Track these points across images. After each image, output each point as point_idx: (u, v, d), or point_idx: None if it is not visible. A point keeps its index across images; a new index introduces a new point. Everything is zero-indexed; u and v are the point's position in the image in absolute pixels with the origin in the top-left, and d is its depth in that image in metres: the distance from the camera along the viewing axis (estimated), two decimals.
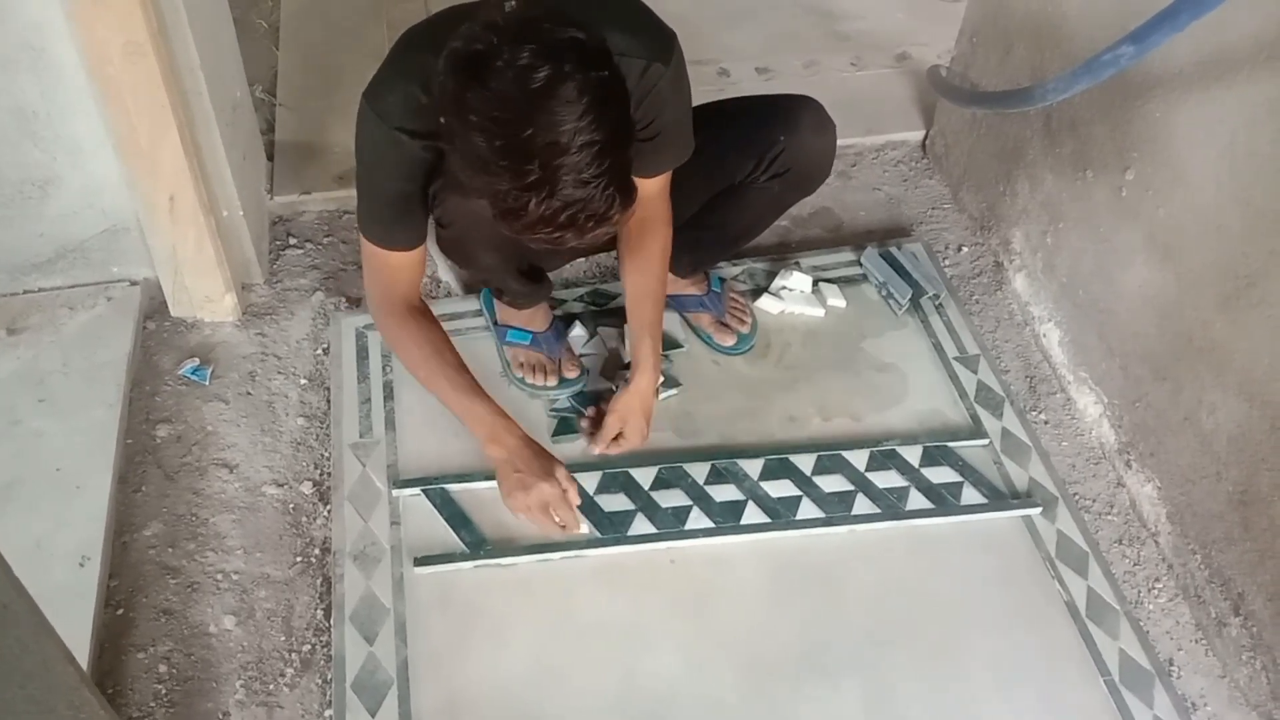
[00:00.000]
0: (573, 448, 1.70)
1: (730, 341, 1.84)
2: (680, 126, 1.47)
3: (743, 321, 1.86)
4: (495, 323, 1.82)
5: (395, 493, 1.63)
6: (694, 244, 1.78)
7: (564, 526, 1.55)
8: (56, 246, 1.83)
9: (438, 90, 1.18)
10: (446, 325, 1.84)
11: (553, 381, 1.76)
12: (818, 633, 1.51)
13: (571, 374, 1.77)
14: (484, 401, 1.54)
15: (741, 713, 1.43)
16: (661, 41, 1.37)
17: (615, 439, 1.65)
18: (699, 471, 1.66)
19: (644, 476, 1.66)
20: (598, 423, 1.68)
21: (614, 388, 1.72)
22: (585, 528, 1.58)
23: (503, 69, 1.10)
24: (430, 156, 1.37)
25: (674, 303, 1.88)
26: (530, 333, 1.77)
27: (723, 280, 1.91)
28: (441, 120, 1.18)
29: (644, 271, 1.60)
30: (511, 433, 1.54)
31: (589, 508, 1.61)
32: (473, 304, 1.89)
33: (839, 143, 2.27)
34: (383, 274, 1.50)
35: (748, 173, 1.63)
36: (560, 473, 1.54)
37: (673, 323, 1.88)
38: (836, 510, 1.62)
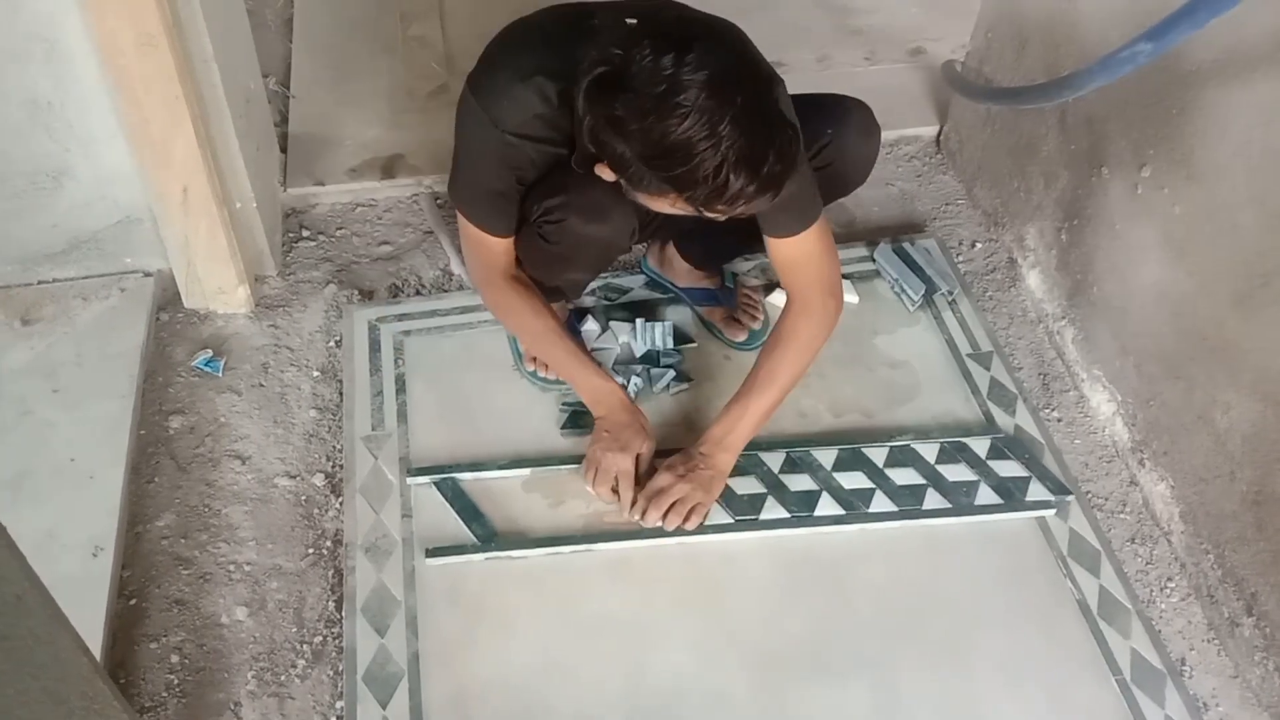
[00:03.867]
0: (581, 442, 1.70)
1: (741, 337, 1.84)
2: (801, 177, 1.41)
3: (754, 317, 1.86)
4: None
5: (409, 481, 1.64)
6: (711, 233, 1.77)
7: (616, 498, 1.58)
8: (70, 237, 1.83)
9: (588, 134, 1.26)
10: (458, 318, 1.87)
11: None
12: (827, 629, 1.51)
13: None
14: (589, 365, 1.62)
15: (750, 708, 1.44)
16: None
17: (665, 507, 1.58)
18: None
19: None
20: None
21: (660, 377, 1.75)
22: (626, 513, 1.59)
23: (637, 73, 1.18)
24: (540, 159, 1.41)
25: (685, 295, 1.88)
26: None
27: (736, 275, 1.91)
28: (598, 151, 1.27)
29: (785, 359, 1.57)
30: (618, 399, 1.60)
31: None
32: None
33: None
34: (483, 253, 1.56)
35: None
36: (644, 448, 1.58)
37: (684, 317, 1.88)
38: (856, 507, 1.62)
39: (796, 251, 1.52)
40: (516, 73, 1.36)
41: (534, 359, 1.77)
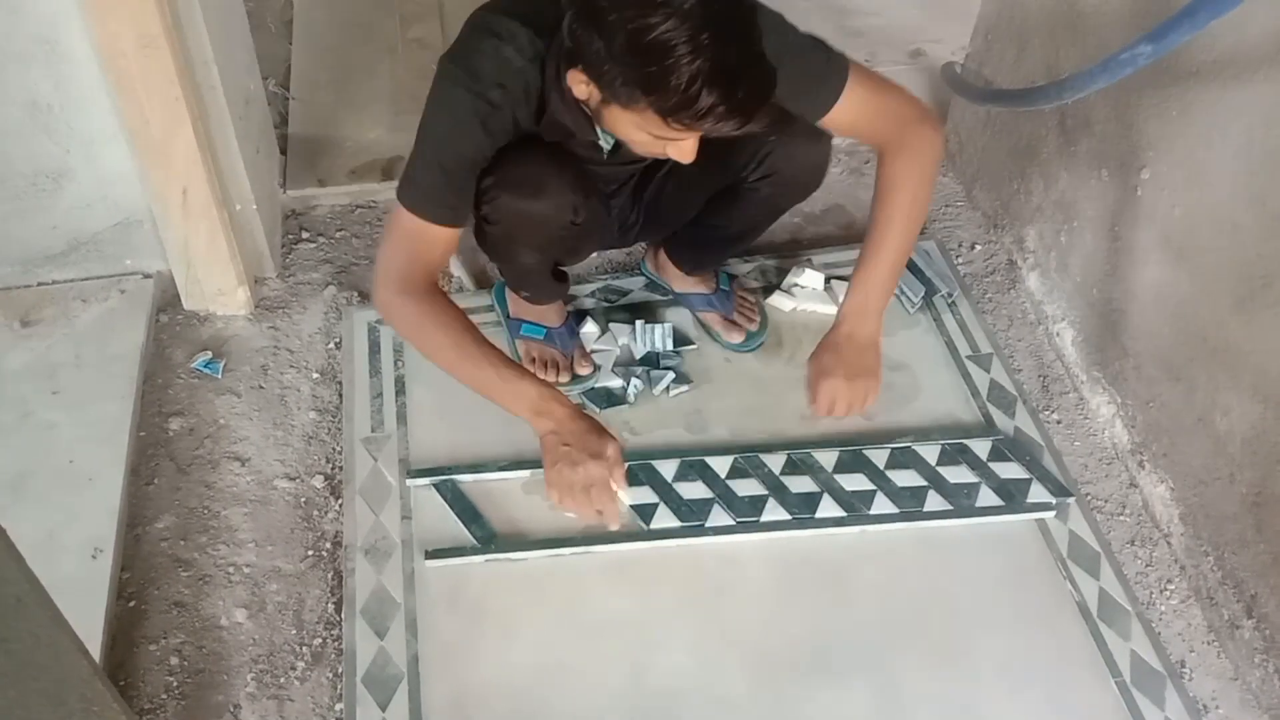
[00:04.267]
0: None
1: (738, 339, 1.84)
2: (801, 49, 1.41)
3: (750, 319, 1.86)
4: (508, 317, 1.82)
5: (408, 482, 1.64)
6: (695, 242, 1.79)
7: (601, 514, 1.40)
8: (69, 239, 1.83)
9: (566, 29, 1.21)
10: None
11: (565, 378, 1.76)
12: (828, 631, 1.51)
13: (584, 370, 1.77)
14: (525, 375, 1.42)
15: (750, 711, 1.43)
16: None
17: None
18: (720, 465, 1.66)
19: (667, 469, 1.65)
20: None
21: (626, 386, 1.73)
22: (620, 522, 1.43)
23: None
24: (510, 128, 1.37)
25: (683, 301, 1.88)
26: (544, 328, 1.77)
27: (732, 278, 1.91)
28: (575, 49, 1.21)
29: (896, 204, 1.48)
30: (560, 403, 1.41)
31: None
32: (484, 299, 1.89)
33: (851, 139, 2.29)
34: (413, 248, 1.40)
35: (738, 169, 1.59)
36: (612, 450, 1.39)
37: (683, 320, 1.88)
38: (857, 508, 1.62)
39: (850, 115, 1.44)
40: (487, 30, 1.34)
41: (534, 360, 1.77)
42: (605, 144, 1.45)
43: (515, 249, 1.57)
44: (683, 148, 1.27)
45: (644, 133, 1.25)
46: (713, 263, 1.88)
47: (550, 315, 1.78)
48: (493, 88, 1.33)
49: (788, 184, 1.61)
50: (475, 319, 1.83)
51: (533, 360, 1.77)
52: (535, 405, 1.40)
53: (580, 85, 1.26)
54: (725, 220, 1.71)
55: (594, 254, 1.97)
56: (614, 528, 1.43)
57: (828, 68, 1.42)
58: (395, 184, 1.40)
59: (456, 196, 1.40)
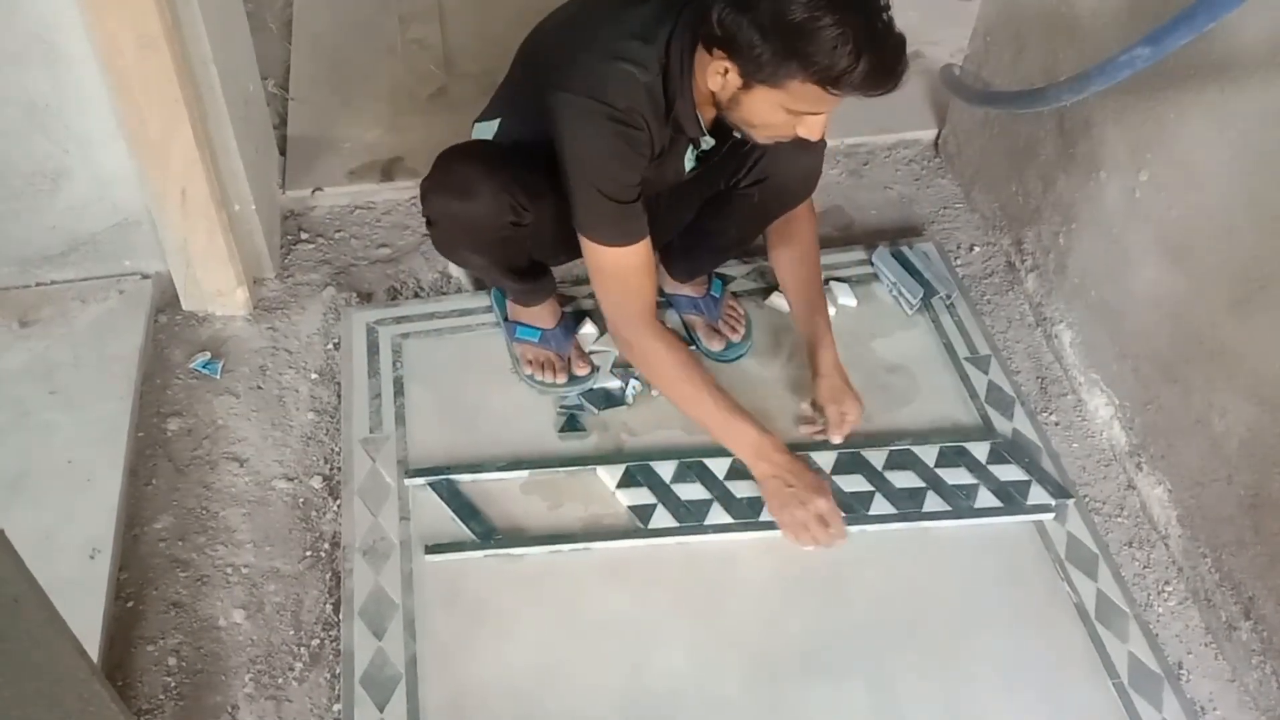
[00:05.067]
0: (579, 445, 1.71)
1: (718, 347, 1.83)
2: None
3: (735, 330, 1.85)
4: (505, 319, 1.82)
5: (407, 482, 1.64)
6: (688, 250, 1.79)
7: (839, 534, 1.53)
8: (68, 239, 1.83)
9: (715, 18, 1.28)
10: (457, 321, 1.87)
11: (562, 379, 1.76)
12: (825, 632, 1.51)
13: (581, 371, 1.77)
14: (748, 420, 1.55)
15: (748, 711, 1.43)
16: None
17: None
18: (719, 467, 1.66)
19: (665, 470, 1.66)
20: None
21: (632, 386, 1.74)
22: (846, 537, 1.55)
23: None
24: (648, 137, 1.41)
25: (671, 302, 1.88)
26: (539, 329, 1.77)
27: (724, 285, 1.90)
28: (721, 35, 1.29)
29: (800, 261, 1.74)
30: (779, 449, 1.55)
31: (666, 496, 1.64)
32: (483, 300, 1.90)
33: (850, 141, 2.30)
34: (624, 280, 1.49)
35: (731, 174, 1.61)
36: (825, 484, 1.56)
37: (673, 322, 1.88)
38: (855, 509, 1.62)
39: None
40: (600, 56, 1.38)
41: (531, 361, 1.77)
42: (705, 144, 1.50)
43: (458, 250, 1.63)
44: (815, 124, 1.36)
45: (783, 111, 1.33)
46: (704, 269, 1.87)
47: (545, 317, 1.78)
48: (624, 108, 1.38)
49: (779, 190, 1.62)
50: (473, 319, 1.86)
51: (530, 362, 1.77)
52: (756, 449, 1.55)
53: (717, 76, 1.33)
54: (716, 227, 1.72)
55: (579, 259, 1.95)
56: (843, 541, 1.55)
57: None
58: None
59: (631, 217, 1.46)
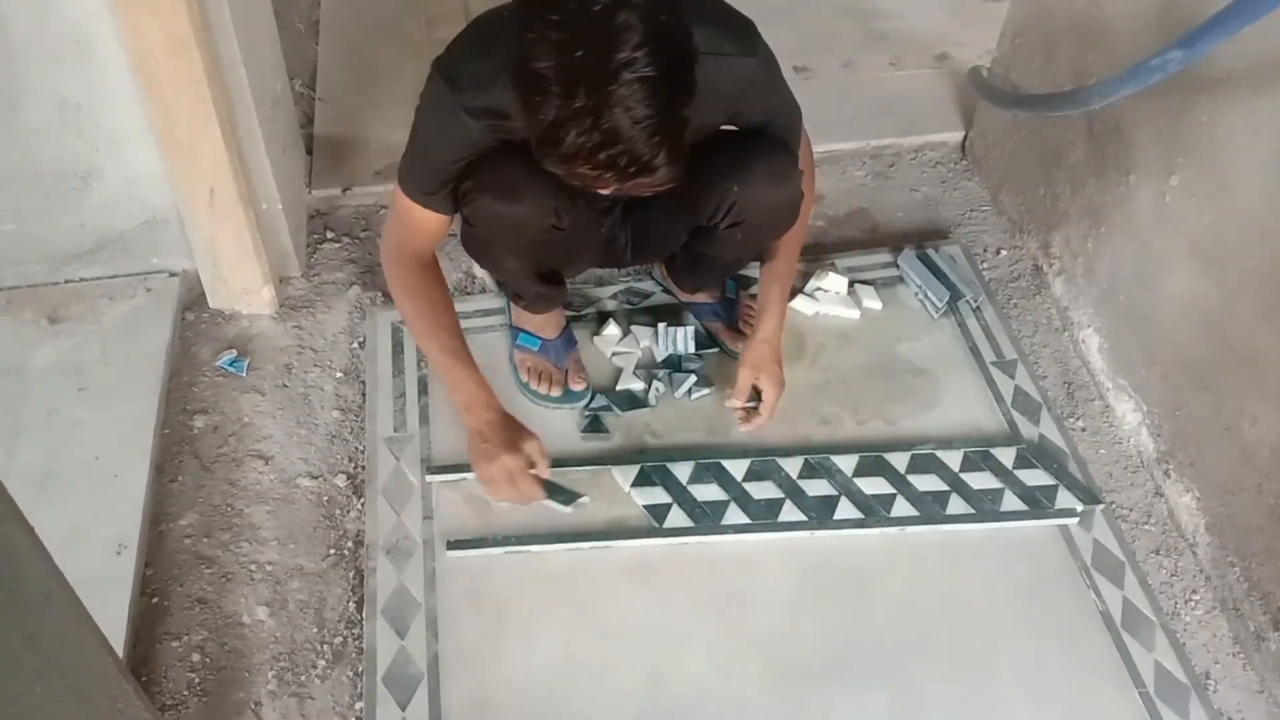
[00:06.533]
0: (602, 446, 1.71)
1: (740, 347, 1.82)
2: (784, 99, 1.50)
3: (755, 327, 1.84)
4: (510, 324, 1.82)
5: (428, 478, 1.64)
6: (692, 265, 1.78)
7: (526, 494, 1.54)
8: (97, 237, 1.85)
9: (513, 24, 1.16)
10: (480, 321, 1.87)
11: (557, 391, 1.75)
12: (847, 636, 1.50)
13: (577, 386, 1.76)
14: (469, 370, 1.55)
15: (768, 716, 1.43)
16: (745, 35, 1.38)
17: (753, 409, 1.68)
18: (737, 468, 1.66)
19: (682, 471, 1.66)
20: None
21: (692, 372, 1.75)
22: (541, 496, 1.57)
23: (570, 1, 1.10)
24: (487, 140, 1.38)
25: (690, 309, 1.88)
26: (539, 339, 1.77)
27: (738, 285, 1.90)
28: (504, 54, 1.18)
29: (780, 241, 1.66)
30: (489, 406, 1.55)
31: (629, 500, 1.62)
32: (501, 301, 1.89)
33: (876, 143, 2.29)
34: (407, 226, 1.51)
35: (707, 217, 1.56)
36: (531, 446, 1.54)
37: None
38: (876, 511, 1.61)
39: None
40: (479, 44, 1.34)
41: (529, 370, 1.76)
42: None
43: (496, 252, 1.58)
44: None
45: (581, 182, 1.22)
46: (710, 284, 1.86)
47: (548, 327, 1.78)
48: (471, 106, 1.34)
49: (758, 227, 1.58)
50: (497, 320, 1.87)
51: (528, 370, 1.76)
52: (469, 400, 1.55)
53: None
54: (712, 252, 1.69)
55: (589, 269, 1.94)
56: (536, 501, 1.57)
57: (795, 105, 1.53)
58: None
59: (444, 191, 1.46)
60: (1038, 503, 1.63)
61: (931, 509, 1.62)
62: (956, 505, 1.62)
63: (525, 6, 1.14)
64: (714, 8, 1.38)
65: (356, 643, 1.50)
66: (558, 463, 1.66)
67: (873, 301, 1.92)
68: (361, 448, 1.72)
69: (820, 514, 1.61)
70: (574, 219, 1.51)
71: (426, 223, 1.49)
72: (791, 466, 1.66)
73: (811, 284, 1.92)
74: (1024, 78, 1.99)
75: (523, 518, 1.60)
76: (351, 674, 1.48)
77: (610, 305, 1.90)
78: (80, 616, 0.91)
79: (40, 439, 1.67)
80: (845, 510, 1.61)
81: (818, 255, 2.02)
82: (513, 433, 1.55)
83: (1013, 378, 1.82)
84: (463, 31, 1.38)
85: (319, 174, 2.17)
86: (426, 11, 2.60)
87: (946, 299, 1.91)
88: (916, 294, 1.94)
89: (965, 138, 2.29)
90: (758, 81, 1.40)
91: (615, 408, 1.75)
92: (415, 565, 1.56)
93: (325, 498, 1.66)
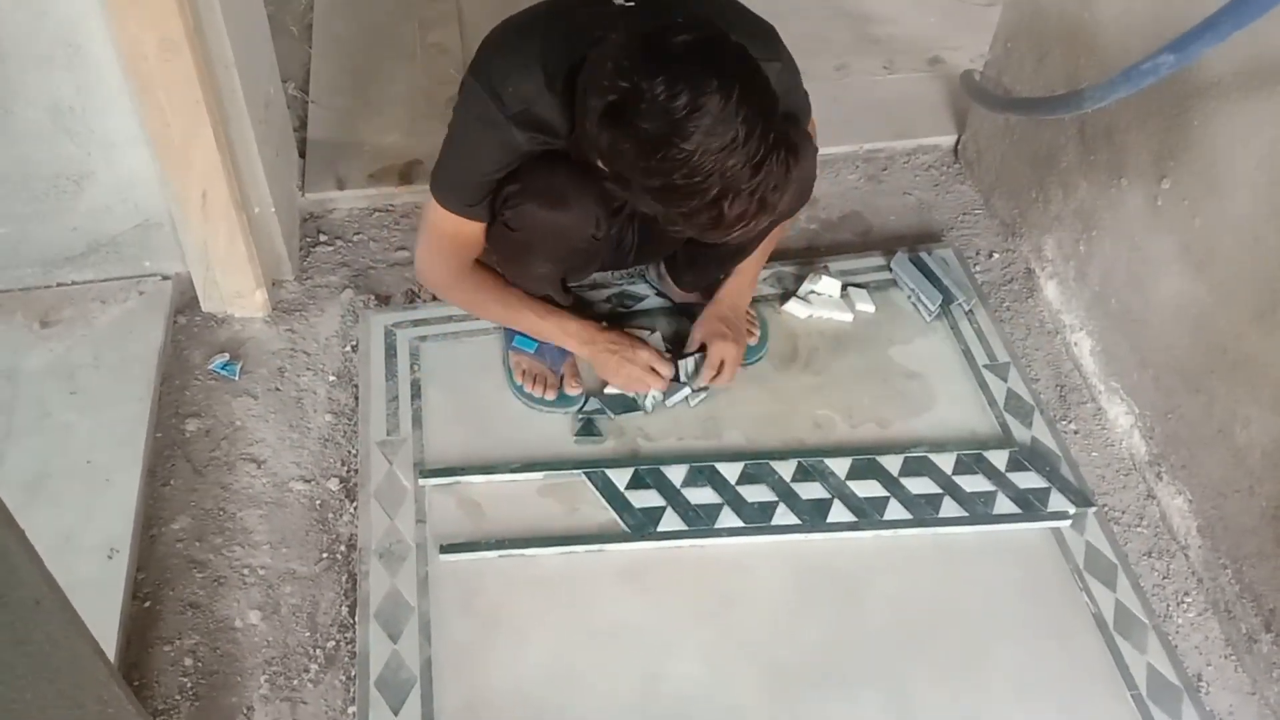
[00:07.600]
0: (595, 450, 1.71)
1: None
2: (803, 101, 1.57)
3: (750, 333, 1.84)
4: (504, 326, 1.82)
5: (420, 482, 1.64)
6: (691, 262, 1.78)
7: (661, 380, 1.70)
8: (89, 240, 1.84)
9: (600, 149, 1.26)
10: (474, 324, 1.88)
11: (551, 395, 1.74)
12: (840, 639, 1.50)
13: (573, 390, 1.75)
14: (567, 315, 1.69)
15: (761, 719, 1.43)
16: (769, 40, 1.45)
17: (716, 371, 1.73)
18: (731, 471, 1.66)
19: (675, 474, 1.65)
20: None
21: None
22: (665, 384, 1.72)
23: (646, 110, 1.18)
24: (532, 149, 1.42)
25: (684, 312, 1.88)
26: (536, 341, 1.76)
27: None
28: (606, 165, 1.28)
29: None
30: (599, 328, 1.71)
31: (622, 505, 1.62)
32: None
33: (869, 146, 2.30)
34: (456, 243, 1.57)
35: None
36: (645, 350, 1.71)
37: (686, 329, 1.87)
38: (869, 514, 1.61)
39: None
40: (521, 57, 1.37)
41: (524, 372, 1.76)
42: None
43: (531, 257, 1.58)
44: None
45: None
46: (709, 280, 1.85)
47: None
48: (516, 115, 1.39)
49: (747, 242, 1.62)
50: (484, 322, 1.85)
51: (523, 372, 1.76)
52: (581, 337, 1.69)
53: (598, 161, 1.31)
54: (710, 252, 1.71)
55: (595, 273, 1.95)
56: (665, 382, 1.73)
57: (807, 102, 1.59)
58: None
59: (482, 201, 1.51)
60: (1030, 505, 1.63)
61: (924, 512, 1.62)
62: (949, 508, 1.63)
63: (613, 135, 1.22)
64: (738, 15, 1.45)
65: (349, 647, 1.50)
66: (552, 465, 1.66)
67: (866, 304, 1.92)
68: (354, 451, 1.72)
69: (813, 517, 1.61)
70: (609, 228, 1.55)
71: (471, 234, 1.55)
72: (785, 469, 1.66)
73: (805, 287, 1.92)
74: (1016, 81, 2.00)
75: (515, 521, 1.60)
76: (344, 678, 1.47)
77: (604, 308, 1.90)
78: (72, 621, 0.90)
79: (32, 443, 1.66)
80: (838, 513, 1.61)
81: (811, 258, 2.03)
82: (631, 339, 1.73)
83: (1005, 380, 1.82)
84: (494, 39, 1.42)
85: (312, 177, 2.16)
86: (419, 15, 2.60)
87: (939, 302, 1.91)
88: (909, 297, 1.95)
89: (958, 141, 2.30)
90: (782, 83, 1.42)
91: (609, 411, 1.75)
92: (408, 569, 1.55)
93: (318, 501, 1.66)
